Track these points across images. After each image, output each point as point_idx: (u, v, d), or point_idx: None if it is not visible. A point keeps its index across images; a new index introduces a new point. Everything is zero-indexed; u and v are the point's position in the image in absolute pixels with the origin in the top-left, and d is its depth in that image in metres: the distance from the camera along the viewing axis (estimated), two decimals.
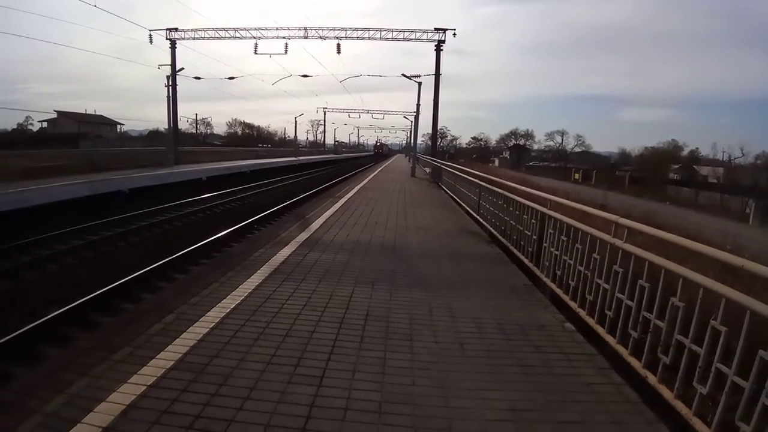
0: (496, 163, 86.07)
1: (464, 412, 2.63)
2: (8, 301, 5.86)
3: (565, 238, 4.83)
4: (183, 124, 58.85)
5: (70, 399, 2.59)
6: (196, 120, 78.68)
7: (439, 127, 28.40)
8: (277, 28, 26.13)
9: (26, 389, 2.82)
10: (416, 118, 29.10)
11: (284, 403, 2.62)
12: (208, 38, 26.92)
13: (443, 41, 24.32)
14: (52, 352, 4.68)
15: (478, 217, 9.87)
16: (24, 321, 5.03)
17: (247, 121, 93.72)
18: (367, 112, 61.31)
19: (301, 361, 3.16)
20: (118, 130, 58.12)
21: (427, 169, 28.40)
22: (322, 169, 39.64)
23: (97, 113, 57.90)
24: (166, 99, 25.39)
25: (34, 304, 5.62)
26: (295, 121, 68.88)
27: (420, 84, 26.16)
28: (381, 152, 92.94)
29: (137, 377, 2.81)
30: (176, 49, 26.40)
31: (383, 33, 26.21)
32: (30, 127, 58.77)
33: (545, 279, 5.26)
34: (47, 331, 5.07)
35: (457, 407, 2.68)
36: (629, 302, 3.46)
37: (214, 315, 3.85)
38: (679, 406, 2.70)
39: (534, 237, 5.85)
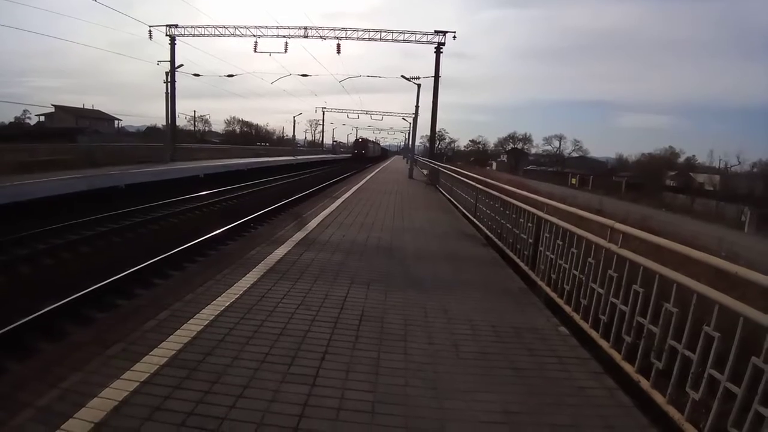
0: (494, 166, 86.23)
1: (457, 414, 2.64)
2: (2, 294, 5.83)
3: (560, 242, 4.84)
4: (181, 121, 58.78)
5: (63, 394, 2.57)
6: (195, 117, 78.51)
7: (437, 130, 28.44)
8: (277, 27, 26.07)
9: (19, 383, 2.82)
10: (415, 119, 29.24)
11: (277, 402, 2.62)
12: (208, 35, 26.81)
13: (443, 44, 24.32)
14: (45, 346, 4.65)
15: (474, 219, 9.88)
16: (18, 315, 5.00)
17: (246, 119, 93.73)
18: (366, 112, 61.41)
19: (295, 360, 3.15)
20: (116, 125, 57.94)
21: (425, 171, 28.44)
22: (320, 168, 39.64)
23: (95, 108, 57.81)
24: (164, 95, 25.39)
25: (28, 298, 5.58)
26: (294, 121, 68.81)
27: (419, 86, 26.26)
28: (363, 154, 61.87)
29: (130, 373, 2.81)
30: (176, 46, 26.32)
31: (383, 34, 26.20)
32: (27, 120, 58.55)
33: (540, 282, 5.26)
34: (41, 326, 5.05)
35: (450, 408, 2.68)
36: (623, 307, 3.47)
37: (209, 312, 3.85)
38: (672, 411, 2.71)
39: (530, 240, 5.85)
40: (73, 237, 9.02)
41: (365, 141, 69.48)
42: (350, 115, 62.96)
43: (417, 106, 28.08)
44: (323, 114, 66.51)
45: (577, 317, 4.20)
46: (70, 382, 2.70)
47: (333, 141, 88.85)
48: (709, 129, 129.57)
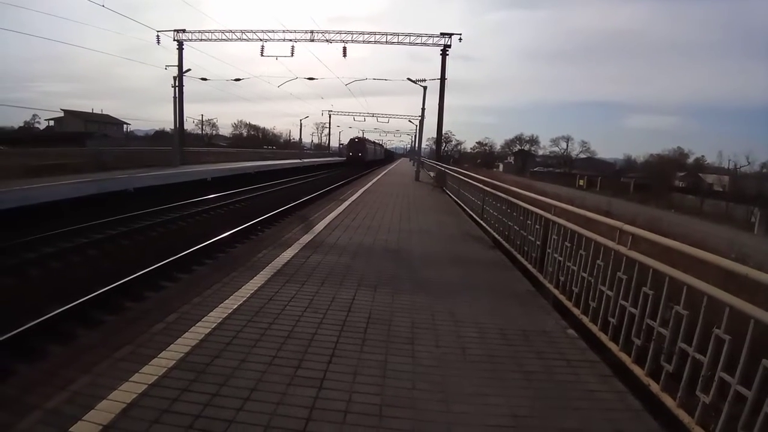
0: (501, 168, 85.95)
1: (465, 417, 2.62)
2: (12, 297, 5.88)
3: (569, 245, 4.81)
4: (189, 125, 58.90)
5: (72, 396, 2.59)
6: (202, 121, 79.18)
7: (443, 132, 28.45)
8: (283, 31, 26.41)
9: (28, 386, 2.84)
10: (421, 122, 29.10)
11: (284, 405, 2.62)
12: (215, 39, 27.14)
13: (449, 46, 24.45)
14: (54, 349, 4.69)
15: (481, 222, 9.85)
16: (27, 317, 5.05)
17: (253, 122, 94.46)
18: (372, 115, 61.09)
19: (302, 363, 3.16)
20: (125, 129, 58.39)
21: (432, 174, 28.41)
22: (327, 171, 39.70)
23: (103, 112, 58.27)
24: (172, 100, 25.56)
25: (37, 301, 5.63)
26: (300, 124, 69.38)
27: (425, 88, 26.19)
28: (360, 158, 51.69)
29: (139, 376, 2.82)
30: (183, 50, 26.60)
31: (389, 37, 26.34)
32: (37, 125, 59.24)
33: (548, 285, 5.23)
34: (50, 328, 5.08)
35: (458, 412, 2.67)
36: (633, 309, 3.44)
37: (217, 315, 3.86)
38: (682, 414, 2.68)
39: (538, 243, 5.82)
40: (82, 240, 9.09)
41: (362, 141, 56.12)
42: (356, 118, 63.08)
43: (423, 109, 27.98)
44: (329, 117, 66.79)
45: (586, 320, 4.17)
46: (79, 384, 2.71)
47: (339, 144, 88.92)
48: (717, 130, 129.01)
